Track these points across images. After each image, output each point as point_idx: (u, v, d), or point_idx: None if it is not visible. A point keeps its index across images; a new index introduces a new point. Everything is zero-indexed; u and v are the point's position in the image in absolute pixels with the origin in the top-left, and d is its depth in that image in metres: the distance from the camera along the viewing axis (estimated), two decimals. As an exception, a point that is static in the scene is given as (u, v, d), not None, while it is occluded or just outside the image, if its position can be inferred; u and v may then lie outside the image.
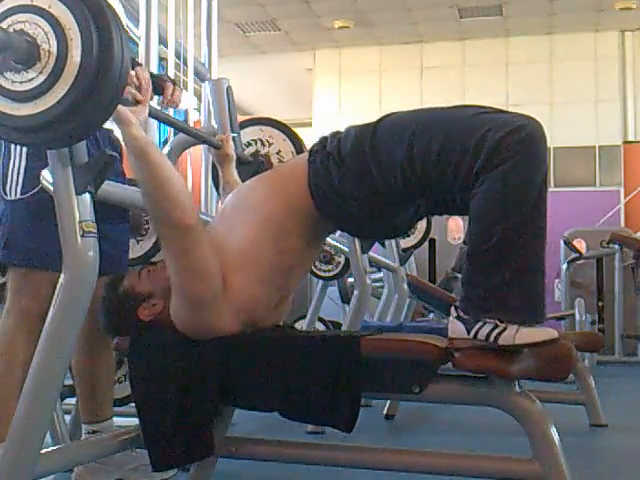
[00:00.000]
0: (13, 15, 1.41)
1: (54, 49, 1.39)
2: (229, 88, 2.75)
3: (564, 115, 8.94)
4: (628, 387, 5.55)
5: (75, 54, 1.38)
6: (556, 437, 1.70)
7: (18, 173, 2.01)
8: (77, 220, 1.61)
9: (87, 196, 1.65)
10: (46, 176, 1.78)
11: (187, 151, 3.25)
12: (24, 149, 1.99)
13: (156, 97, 2.25)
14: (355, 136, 1.82)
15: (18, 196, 1.99)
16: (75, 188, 1.62)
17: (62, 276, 1.61)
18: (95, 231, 1.65)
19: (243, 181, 2.36)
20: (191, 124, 4.48)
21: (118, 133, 1.90)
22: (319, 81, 9.99)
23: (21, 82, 1.41)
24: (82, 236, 1.61)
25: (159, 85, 2.22)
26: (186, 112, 4.56)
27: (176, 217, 1.74)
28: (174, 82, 2.28)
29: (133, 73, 1.91)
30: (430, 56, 9.59)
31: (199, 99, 4.06)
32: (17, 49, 1.38)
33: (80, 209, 1.62)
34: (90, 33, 1.38)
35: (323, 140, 1.90)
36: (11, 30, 1.40)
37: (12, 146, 2.01)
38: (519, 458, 1.75)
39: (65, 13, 1.39)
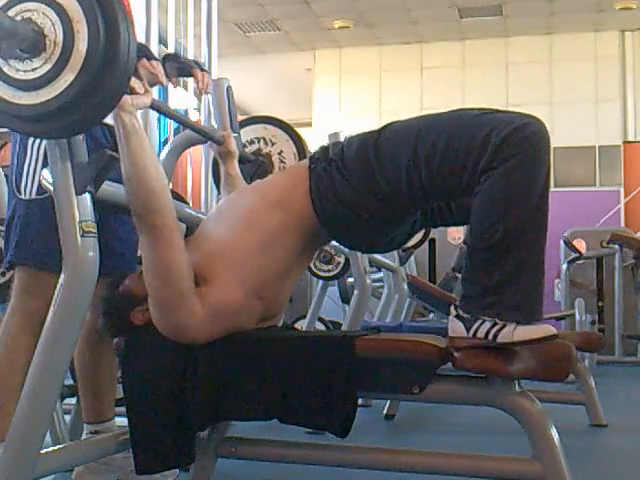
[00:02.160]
0: (21, 3, 1.41)
1: (60, 40, 1.39)
2: (229, 88, 2.75)
3: (564, 115, 8.95)
4: (628, 387, 5.55)
5: (81, 46, 1.38)
6: (556, 437, 1.70)
7: (34, 173, 1.96)
8: (77, 220, 1.61)
9: (87, 196, 1.65)
10: (46, 176, 1.77)
11: (187, 151, 3.25)
12: (41, 149, 1.95)
13: (156, 92, 2.24)
14: (358, 143, 1.82)
15: (33, 196, 1.95)
16: (75, 188, 1.62)
17: (62, 276, 1.61)
18: (95, 231, 1.65)
19: (244, 179, 2.37)
20: (191, 124, 4.47)
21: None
22: (319, 81, 9.99)
23: (25, 71, 1.41)
24: (82, 236, 1.61)
25: (185, 69, 2.21)
26: (186, 112, 4.56)
27: (144, 214, 1.75)
28: (201, 67, 2.27)
29: (149, 63, 1.91)
30: (430, 56, 9.59)
31: (199, 99, 4.07)
32: (23, 38, 1.38)
33: (80, 209, 1.62)
34: (97, 26, 1.38)
35: (324, 148, 1.89)
36: (19, 18, 1.40)
37: (29, 144, 1.98)
38: (519, 458, 1.75)
39: (73, 4, 1.39)
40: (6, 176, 3.36)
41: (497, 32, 9.24)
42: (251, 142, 2.79)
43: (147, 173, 1.75)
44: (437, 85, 9.46)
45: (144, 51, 1.97)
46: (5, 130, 3.85)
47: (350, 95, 9.80)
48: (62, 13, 1.39)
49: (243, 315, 1.82)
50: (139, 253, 1.89)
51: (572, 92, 9.16)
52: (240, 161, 2.47)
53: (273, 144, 2.80)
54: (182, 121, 2.34)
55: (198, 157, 3.97)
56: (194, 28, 4.36)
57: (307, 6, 8.54)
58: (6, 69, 1.42)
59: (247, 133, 2.79)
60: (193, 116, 4.72)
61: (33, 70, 1.40)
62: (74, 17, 1.39)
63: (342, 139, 3.36)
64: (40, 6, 1.40)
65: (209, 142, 2.47)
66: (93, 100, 1.42)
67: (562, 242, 7.39)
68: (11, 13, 1.41)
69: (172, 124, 4.44)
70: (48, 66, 1.39)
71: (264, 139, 2.80)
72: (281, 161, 2.78)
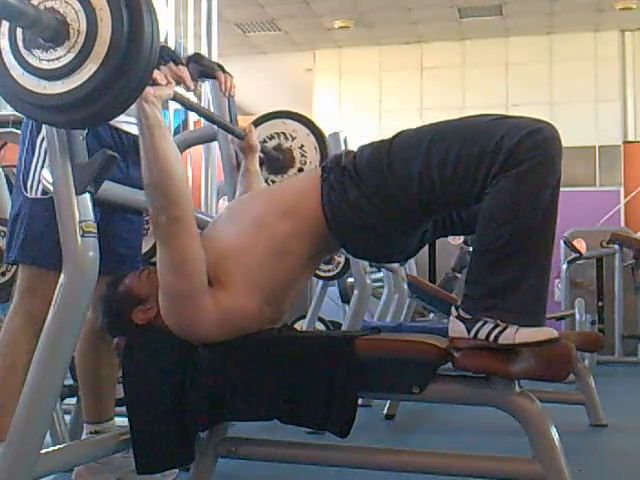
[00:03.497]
0: None
1: (84, 28, 1.38)
2: (229, 88, 2.74)
3: (564, 115, 8.93)
4: (628, 387, 5.55)
5: (105, 35, 1.37)
6: (556, 437, 1.70)
7: (41, 172, 1.94)
8: (77, 220, 1.61)
9: (87, 196, 1.65)
10: (46, 176, 1.77)
11: (187, 151, 3.25)
12: None
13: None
14: (371, 151, 1.82)
15: (39, 195, 1.94)
16: (75, 188, 1.62)
17: (62, 276, 1.61)
18: (95, 231, 1.65)
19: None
20: (191, 124, 4.49)
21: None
22: (319, 81, 9.99)
23: (48, 60, 1.40)
24: (82, 236, 1.61)
25: (207, 72, 2.21)
26: (185, 111, 4.56)
27: (163, 206, 1.75)
28: (224, 70, 2.26)
29: (177, 68, 1.90)
30: (430, 56, 9.59)
31: (199, 99, 4.06)
32: (46, 26, 1.37)
33: (80, 209, 1.62)
34: (121, 14, 1.37)
35: (337, 157, 1.88)
36: (42, 7, 1.39)
37: (37, 142, 1.96)
38: (519, 458, 1.75)
39: None
40: (6, 176, 3.37)
41: (497, 32, 9.23)
42: (271, 137, 2.77)
43: (169, 164, 1.75)
44: (437, 85, 9.46)
45: (171, 54, 1.96)
46: (5, 130, 3.85)
47: (350, 95, 9.79)
48: (85, 1, 1.38)
49: (253, 321, 1.83)
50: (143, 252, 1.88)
51: (572, 92, 9.16)
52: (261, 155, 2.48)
53: (294, 139, 2.78)
54: (204, 114, 2.34)
55: (198, 157, 3.96)
56: (194, 28, 4.36)
57: (307, 6, 8.54)
58: (29, 58, 1.42)
59: (267, 128, 2.78)
60: (193, 116, 4.72)
61: (57, 59, 1.40)
62: (97, 5, 1.37)
63: (342, 139, 3.37)
64: None
65: (231, 137, 2.47)
66: (117, 90, 1.41)
67: (562, 242, 7.39)
68: (34, 1, 1.40)
69: (172, 124, 4.44)
70: (71, 55, 1.39)
71: (284, 134, 2.78)
72: (302, 155, 2.76)
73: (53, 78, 1.40)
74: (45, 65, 1.41)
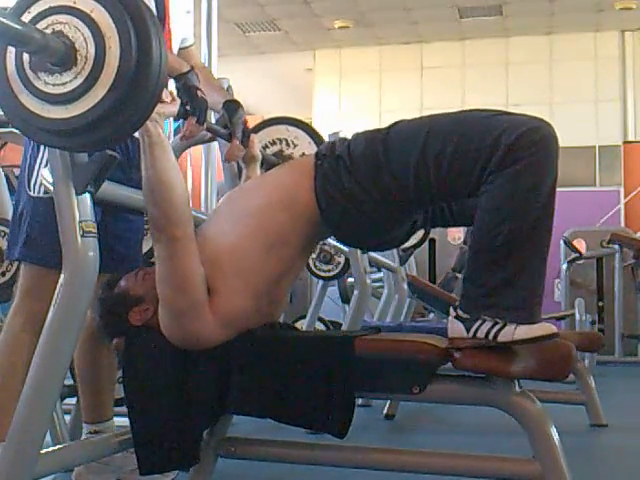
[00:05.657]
0: (53, 15, 1.39)
1: (92, 55, 1.37)
2: (229, 88, 2.74)
3: (564, 115, 8.93)
4: (628, 387, 5.55)
5: (113, 62, 1.37)
6: (556, 437, 1.70)
7: None
8: (77, 220, 1.61)
9: (87, 196, 1.65)
10: (46, 176, 1.77)
11: (187, 151, 3.25)
12: None
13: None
14: (366, 140, 1.81)
15: (41, 194, 1.94)
16: (75, 188, 1.62)
17: (62, 276, 1.61)
18: (95, 231, 1.65)
19: None
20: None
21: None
22: (319, 81, 9.99)
23: (55, 84, 1.39)
24: (82, 236, 1.61)
25: (229, 133, 2.15)
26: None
27: (163, 225, 1.74)
28: (245, 135, 2.19)
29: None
30: (430, 56, 9.59)
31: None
32: (53, 52, 1.36)
33: (80, 209, 1.62)
34: (130, 42, 1.37)
35: (331, 144, 1.88)
36: (50, 30, 1.38)
37: None
38: (519, 458, 1.75)
39: (106, 19, 1.37)
40: (6, 176, 3.37)
41: (497, 32, 9.23)
42: (273, 143, 2.76)
43: (171, 183, 1.74)
44: (437, 85, 9.46)
45: (198, 106, 1.87)
46: (5, 130, 3.85)
47: (350, 95, 9.79)
48: (94, 28, 1.37)
49: (251, 317, 1.83)
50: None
51: (572, 92, 9.16)
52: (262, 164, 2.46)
53: (295, 146, 2.76)
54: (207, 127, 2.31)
55: (198, 157, 3.96)
56: (194, 28, 4.35)
57: (307, 6, 8.54)
58: (36, 82, 1.40)
59: (269, 134, 2.76)
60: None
61: (63, 84, 1.39)
62: (106, 32, 1.37)
63: (342, 138, 3.36)
64: (72, 19, 1.38)
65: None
66: (123, 116, 1.40)
67: (562, 242, 7.39)
68: (42, 25, 1.38)
69: (172, 125, 4.44)
70: (79, 81, 1.38)
71: (286, 140, 2.77)
72: None
73: (59, 103, 1.39)
74: (51, 89, 1.40)
